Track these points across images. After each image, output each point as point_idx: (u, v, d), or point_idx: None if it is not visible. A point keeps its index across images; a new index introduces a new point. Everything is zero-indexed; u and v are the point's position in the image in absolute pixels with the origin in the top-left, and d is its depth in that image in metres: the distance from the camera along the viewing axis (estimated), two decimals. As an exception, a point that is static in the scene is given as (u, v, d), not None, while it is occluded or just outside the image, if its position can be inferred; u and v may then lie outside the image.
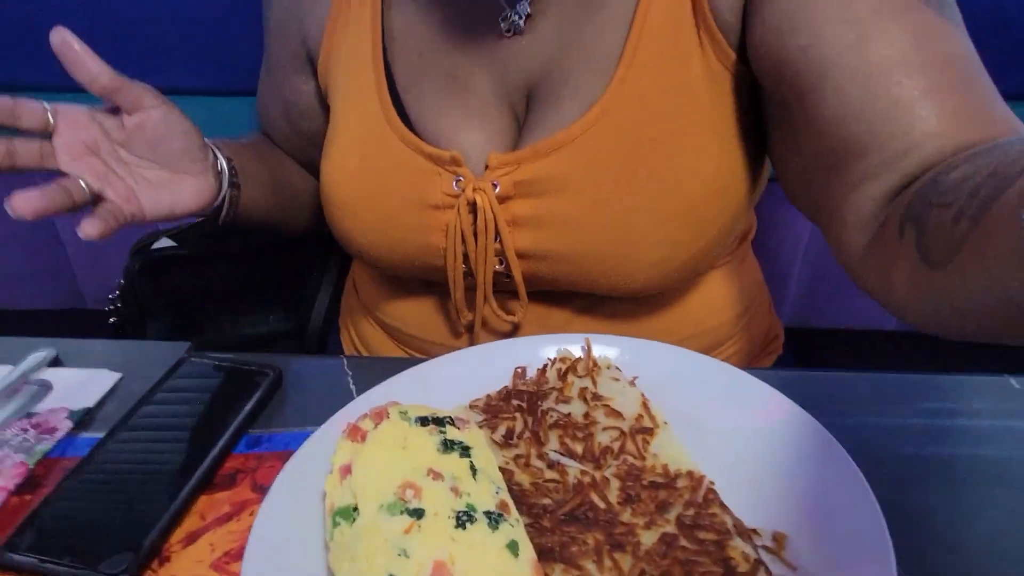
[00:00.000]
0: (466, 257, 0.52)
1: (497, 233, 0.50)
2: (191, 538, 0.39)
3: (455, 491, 0.35)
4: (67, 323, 1.07)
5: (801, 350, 0.78)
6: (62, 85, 0.48)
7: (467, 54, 0.52)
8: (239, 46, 0.83)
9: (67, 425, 0.46)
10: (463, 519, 0.33)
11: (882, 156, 0.39)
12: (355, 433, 0.39)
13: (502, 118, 0.52)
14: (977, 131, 0.37)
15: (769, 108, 0.49)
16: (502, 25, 0.50)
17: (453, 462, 0.37)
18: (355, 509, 0.35)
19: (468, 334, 0.57)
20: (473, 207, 0.50)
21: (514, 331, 0.56)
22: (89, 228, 0.44)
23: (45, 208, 0.42)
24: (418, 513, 0.33)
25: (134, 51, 0.87)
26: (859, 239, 0.40)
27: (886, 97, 0.39)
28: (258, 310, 0.84)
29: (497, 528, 0.33)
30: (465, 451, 0.38)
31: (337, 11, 0.55)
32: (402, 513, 0.33)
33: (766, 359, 0.68)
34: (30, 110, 0.44)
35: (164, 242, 0.84)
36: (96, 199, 0.46)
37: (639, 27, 0.46)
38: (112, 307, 0.80)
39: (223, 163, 0.53)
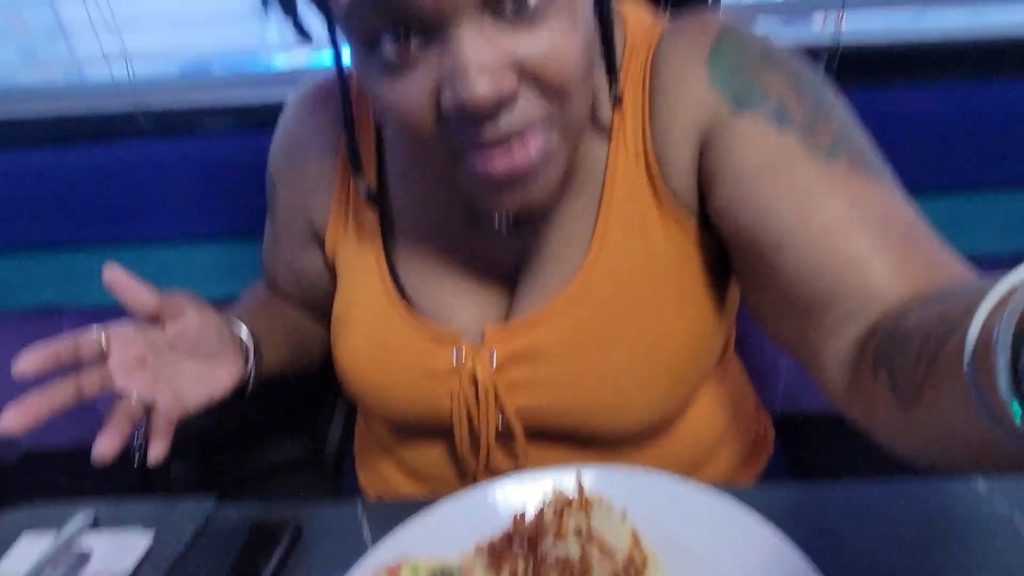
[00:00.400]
0: (470, 416, 0.57)
1: (497, 397, 0.55)
2: None
3: (464, 648, 0.39)
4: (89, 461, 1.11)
5: (793, 440, 0.81)
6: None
7: (462, 240, 0.58)
8: (245, 193, 0.91)
9: (107, 594, 0.50)
10: (472, 678, 0.37)
11: (847, 307, 0.43)
12: (372, 593, 0.43)
13: (494, 291, 0.58)
14: (928, 277, 0.41)
15: (736, 263, 0.54)
16: (496, 220, 0.56)
17: (461, 618, 0.40)
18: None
19: (475, 474, 0.61)
20: (474, 376, 0.55)
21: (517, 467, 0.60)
22: (156, 452, 0.50)
23: (122, 443, 0.48)
24: (432, 675, 0.37)
25: (143, 200, 0.95)
26: (840, 379, 0.44)
27: (840, 256, 0.43)
28: (275, 440, 0.89)
29: None
30: (472, 605, 0.41)
31: (340, 195, 0.61)
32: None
33: (758, 462, 0.71)
34: (88, 342, 0.49)
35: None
36: (147, 409, 0.51)
37: (606, 208, 0.52)
38: (137, 451, 0.85)
39: (247, 340, 0.59)
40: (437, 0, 0.38)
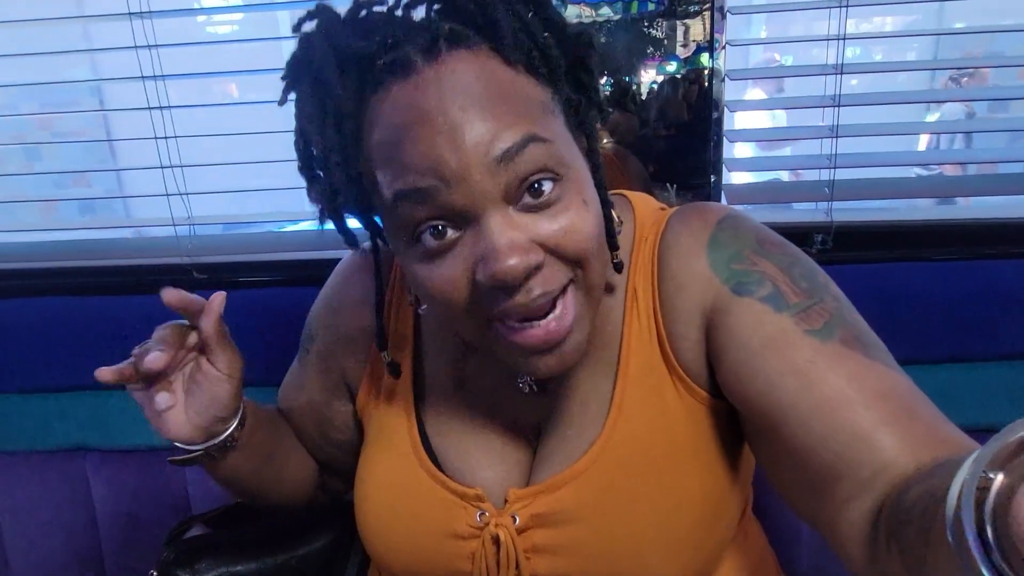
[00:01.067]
0: None
1: (518, 562, 0.55)
2: None
3: None
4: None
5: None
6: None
7: (488, 402, 0.61)
8: (284, 345, 0.96)
9: None
10: None
11: (857, 479, 0.45)
12: None
13: (518, 453, 0.60)
14: (930, 451, 0.43)
15: (749, 433, 0.56)
16: (520, 384, 0.59)
17: None
18: None
19: None
20: (496, 539, 0.56)
21: None
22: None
23: (119, 378, 0.55)
24: None
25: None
26: (858, 551, 0.45)
27: (844, 429, 0.46)
28: (286, 590, 0.86)
29: None
30: None
31: (375, 358, 0.65)
32: None
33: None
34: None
35: (197, 529, 0.89)
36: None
37: (623, 376, 0.56)
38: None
39: (243, 407, 0.61)
40: (468, 198, 0.45)
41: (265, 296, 1.01)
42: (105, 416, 1.03)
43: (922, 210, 1.06)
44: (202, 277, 1.05)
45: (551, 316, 0.48)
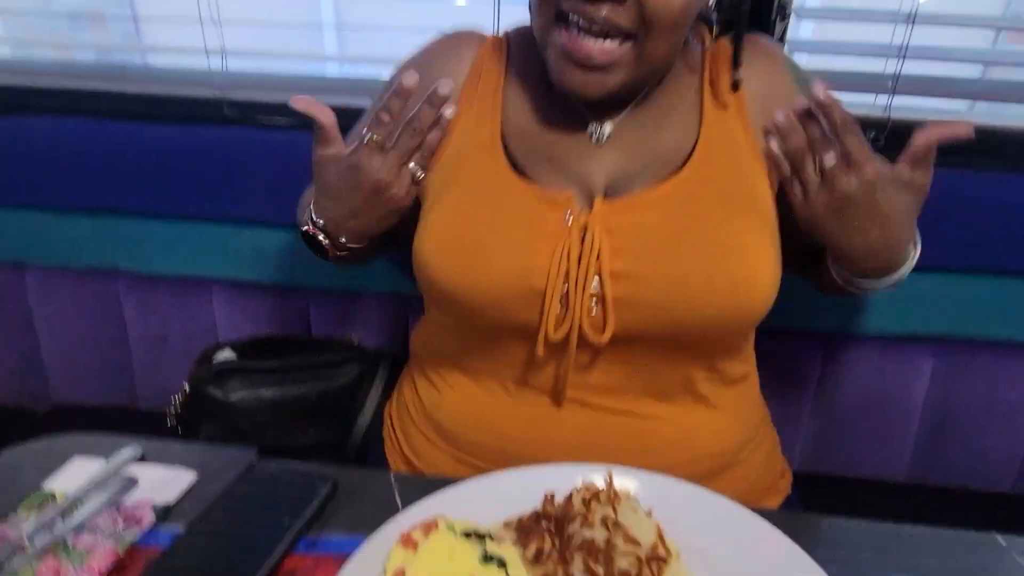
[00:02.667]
0: (567, 278, 0.61)
1: (599, 257, 0.60)
2: (255, 629, 0.44)
3: (493, 600, 0.40)
4: (119, 421, 1.15)
5: (810, 495, 0.82)
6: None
7: (564, 146, 0.66)
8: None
9: (151, 517, 0.53)
10: (500, 625, 0.39)
11: None
12: (408, 542, 0.45)
13: (600, 172, 0.66)
14: None
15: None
16: (589, 135, 0.66)
17: (492, 573, 0.42)
18: (408, 608, 0.40)
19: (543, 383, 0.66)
20: (583, 234, 0.61)
21: (588, 370, 0.65)
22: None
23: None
24: (462, 617, 0.39)
25: (212, 181, 1.01)
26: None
27: None
28: (303, 422, 0.91)
29: (529, 636, 0.39)
30: (502, 564, 0.43)
31: (470, 87, 0.69)
32: (448, 615, 0.39)
33: (773, 497, 0.73)
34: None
35: (226, 353, 0.94)
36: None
37: (707, 128, 0.65)
38: (174, 410, 0.88)
39: None
40: None
41: (295, 138, 1.00)
42: (137, 241, 1.05)
43: (981, 115, 1.00)
44: (232, 113, 1.04)
45: (601, 42, 0.57)
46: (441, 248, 0.64)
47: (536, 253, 0.62)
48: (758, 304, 0.62)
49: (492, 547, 0.45)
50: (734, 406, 0.70)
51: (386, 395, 0.90)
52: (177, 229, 1.04)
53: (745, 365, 0.73)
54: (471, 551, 0.44)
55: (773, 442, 0.77)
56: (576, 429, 0.66)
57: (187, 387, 0.90)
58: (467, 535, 0.45)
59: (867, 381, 0.96)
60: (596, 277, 0.61)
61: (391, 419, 0.83)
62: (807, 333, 0.96)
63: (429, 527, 0.46)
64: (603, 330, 0.61)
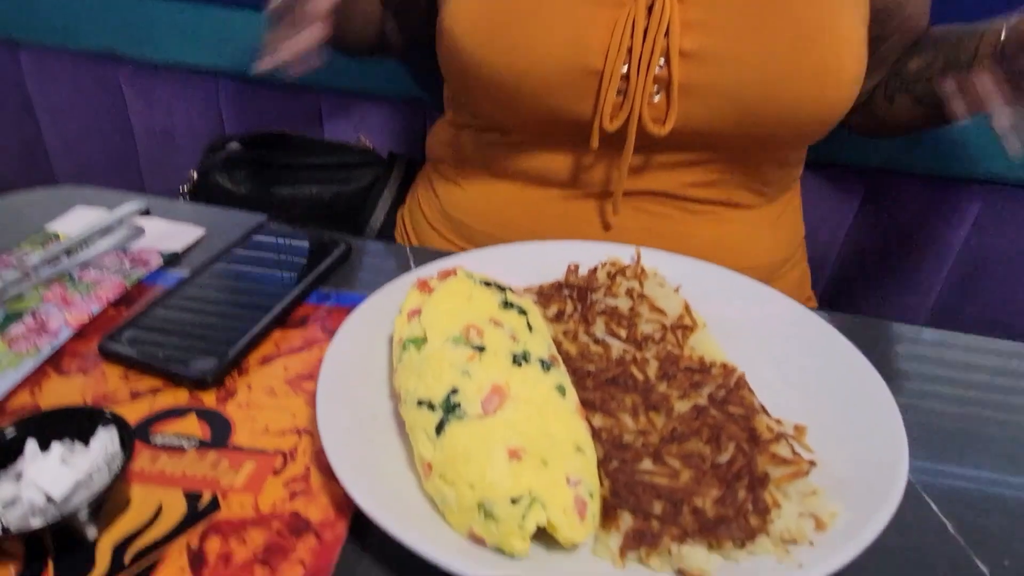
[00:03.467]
0: (630, 55, 0.53)
1: (667, 31, 0.52)
2: (267, 360, 0.44)
3: (513, 338, 0.39)
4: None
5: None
6: None
7: None
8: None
9: (158, 260, 0.51)
10: (519, 359, 0.37)
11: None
12: (424, 286, 0.43)
13: None
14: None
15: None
16: None
17: (512, 318, 0.40)
18: (423, 340, 0.39)
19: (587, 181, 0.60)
20: (648, 6, 0.52)
21: (640, 173, 0.59)
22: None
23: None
24: (480, 348, 0.37)
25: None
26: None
27: None
28: (314, 223, 0.88)
29: (548, 372, 0.37)
30: (522, 312, 0.41)
31: None
32: (466, 346, 0.37)
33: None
34: None
35: (234, 146, 0.89)
36: None
37: None
38: (182, 198, 0.86)
39: None
40: None
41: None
42: (136, 24, 0.97)
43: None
44: None
45: None
46: (475, 23, 0.55)
47: (593, 25, 0.53)
48: (843, 99, 0.55)
49: (512, 297, 0.42)
50: (783, 220, 0.66)
51: (399, 200, 0.86)
52: (180, 11, 0.96)
53: (796, 178, 0.68)
54: (491, 296, 0.42)
55: (805, 269, 0.74)
56: (622, 232, 0.61)
57: (195, 175, 0.87)
58: (487, 284, 0.43)
59: (906, 221, 0.91)
60: (662, 58, 0.53)
61: (403, 222, 0.80)
62: (850, 167, 0.90)
63: (447, 273, 0.43)
64: (664, 121, 0.55)
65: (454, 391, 0.35)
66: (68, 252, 0.51)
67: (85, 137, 1.07)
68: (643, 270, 0.50)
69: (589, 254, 0.52)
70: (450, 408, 0.34)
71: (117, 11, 0.98)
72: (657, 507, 0.32)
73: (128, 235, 0.53)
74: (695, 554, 0.30)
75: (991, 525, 0.37)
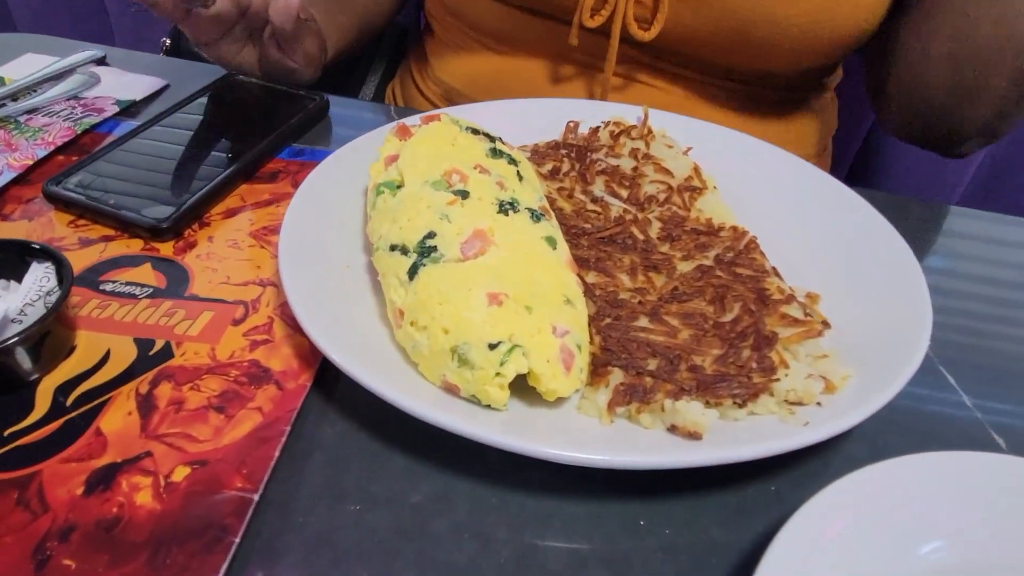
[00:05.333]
0: None
1: None
2: (231, 213, 0.40)
3: (500, 186, 0.34)
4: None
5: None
6: None
7: None
8: None
9: (114, 109, 0.46)
10: (506, 207, 0.33)
11: None
12: (404, 132, 0.38)
13: None
14: None
15: None
16: None
17: (501, 166, 0.36)
18: (399, 184, 0.34)
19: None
20: None
21: (627, 84, 0.54)
22: None
23: None
24: (463, 194, 0.33)
25: None
26: None
27: None
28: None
29: (538, 223, 0.33)
30: (512, 162, 0.37)
31: None
32: (447, 190, 0.33)
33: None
34: None
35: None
36: None
37: None
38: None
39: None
40: None
41: None
42: None
43: None
44: None
45: None
46: None
47: None
48: (860, 22, 0.47)
49: (502, 146, 0.38)
50: (818, 113, 0.60)
51: (389, 74, 0.80)
52: None
53: (823, 89, 0.61)
54: (477, 143, 0.37)
55: (828, 163, 0.68)
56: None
57: (167, 42, 0.80)
58: (474, 131, 0.38)
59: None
60: None
61: (394, 96, 0.74)
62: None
63: (431, 119, 0.39)
64: (650, 24, 0.48)
65: (431, 235, 0.31)
66: (14, 97, 0.46)
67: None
68: (650, 130, 0.45)
69: (592, 113, 0.46)
70: (425, 252, 0.30)
71: None
72: (652, 364, 0.29)
73: (82, 83, 0.48)
74: (690, 409, 0.27)
75: (1010, 400, 0.34)
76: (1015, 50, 0.43)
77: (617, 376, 0.29)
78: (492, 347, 0.27)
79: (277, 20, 0.45)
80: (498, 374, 0.27)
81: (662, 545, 0.26)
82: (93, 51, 0.52)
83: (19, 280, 0.30)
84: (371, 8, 0.65)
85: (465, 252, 0.30)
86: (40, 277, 0.30)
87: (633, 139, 0.44)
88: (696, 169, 0.42)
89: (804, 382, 0.29)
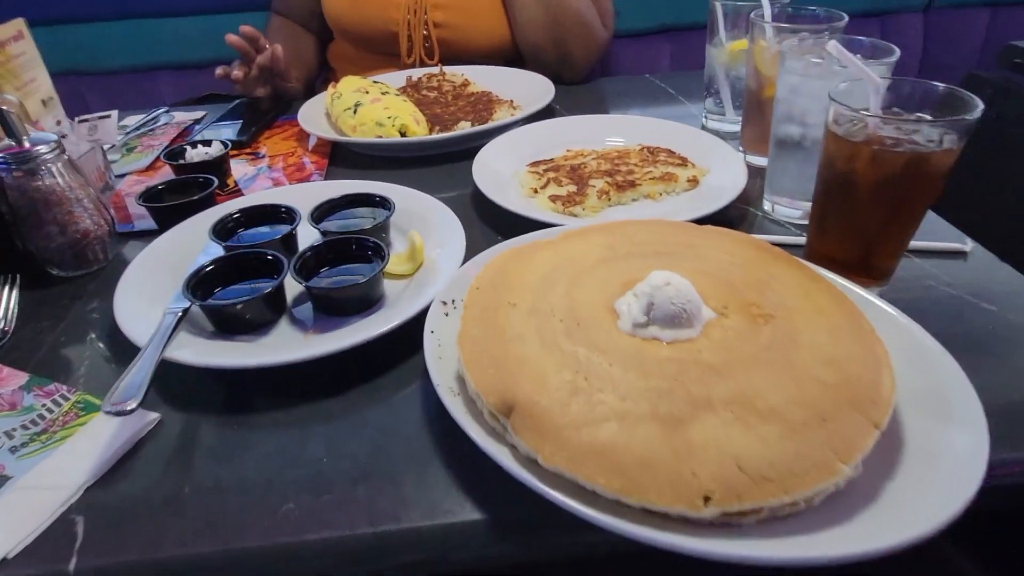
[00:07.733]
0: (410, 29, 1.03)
1: (427, 14, 1.03)
2: (268, 137, 0.88)
3: (383, 92, 0.86)
4: None
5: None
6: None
7: None
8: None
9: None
10: (387, 92, 0.85)
11: None
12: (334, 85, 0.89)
13: None
14: None
15: None
16: None
17: (382, 86, 0.88)
18: (340, 96, 0.86)
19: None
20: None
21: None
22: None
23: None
24: (366, 91, 0.85)
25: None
26: None
27: None
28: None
29: (399, 97, 0.85)
30: (387, 90, 0.89)
31: None
32: (360, 93, 0.85)
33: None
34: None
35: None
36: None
37: None
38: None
39: None
40: None
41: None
42: (93, 43, 1.34)
43: None
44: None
45: None
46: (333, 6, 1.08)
47: (391, 7, 1.04)
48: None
49: (382, 84, 0.90)
50: None
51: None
52: (131, 27, 1.34)
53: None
54: (373, 83, 0.89)
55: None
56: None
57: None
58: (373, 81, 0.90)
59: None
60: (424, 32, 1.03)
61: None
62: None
63: (346, 77, 0.91)
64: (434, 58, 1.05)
65: (358, 104, 0.81)
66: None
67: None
68: (443, 72, 0.99)
69: (422, 73, 1.00)
70: (358, 105, 0.81)
71: (72, 38, 1.35)
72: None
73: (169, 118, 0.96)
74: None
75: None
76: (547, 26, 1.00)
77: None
78: (382, 124, 0.78)
79: (277, 67, 0.97)
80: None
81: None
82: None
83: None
84: (311, 58, 1.20)
85: (373, 104, 0.81)
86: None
87: (437, 76, 0.98)
88: (466, 79, 0.96)
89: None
